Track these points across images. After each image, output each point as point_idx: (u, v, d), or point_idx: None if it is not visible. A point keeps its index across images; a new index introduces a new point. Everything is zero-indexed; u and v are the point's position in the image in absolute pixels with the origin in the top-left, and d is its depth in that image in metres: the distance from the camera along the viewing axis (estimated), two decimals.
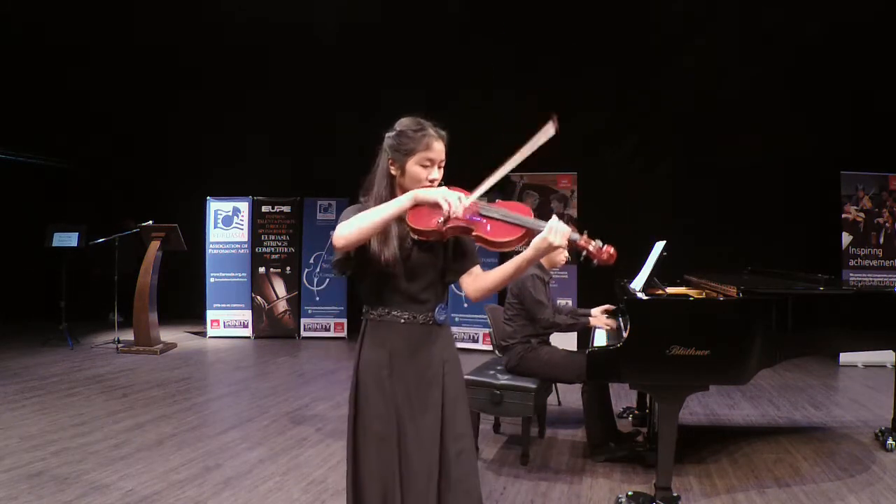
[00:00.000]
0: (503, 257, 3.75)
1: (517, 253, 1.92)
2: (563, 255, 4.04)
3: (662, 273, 4.09)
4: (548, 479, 3.67)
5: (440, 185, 1.94)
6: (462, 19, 8.11)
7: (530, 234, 1.87)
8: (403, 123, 1.96)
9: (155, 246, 7.48)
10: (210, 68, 9.00)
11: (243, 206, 8.82)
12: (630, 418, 4.80)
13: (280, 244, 8.79)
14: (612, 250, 1.84)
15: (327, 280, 8.74)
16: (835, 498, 3.36)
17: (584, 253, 1.87)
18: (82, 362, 6.74)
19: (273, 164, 9.23)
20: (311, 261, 8.74)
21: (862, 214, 7.21)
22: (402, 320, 1.96)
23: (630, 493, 3.31)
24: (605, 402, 4.02)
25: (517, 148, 1.90)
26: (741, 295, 3.36)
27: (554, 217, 1.88)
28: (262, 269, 8.75)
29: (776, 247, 7.53)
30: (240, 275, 8.73)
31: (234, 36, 8.49)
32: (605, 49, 7.96)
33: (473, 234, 1.88)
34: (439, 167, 1.95)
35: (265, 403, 5.27)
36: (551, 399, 4.84)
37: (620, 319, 3.98)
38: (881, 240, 7.21)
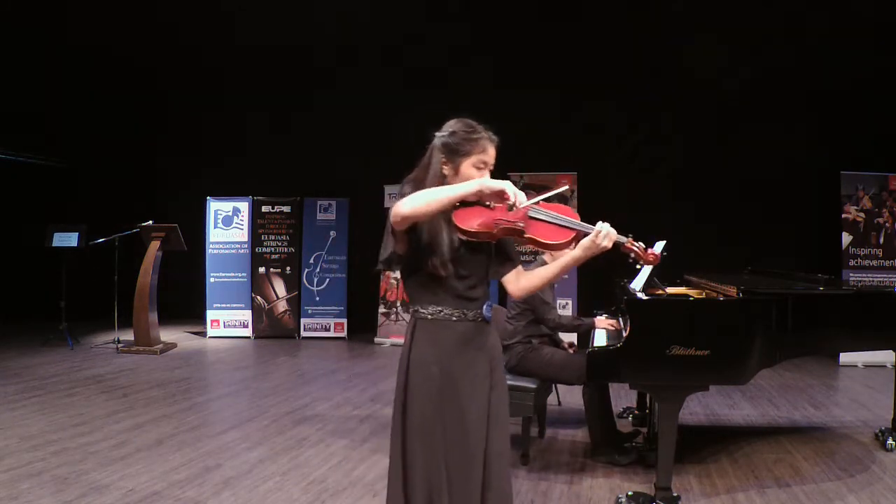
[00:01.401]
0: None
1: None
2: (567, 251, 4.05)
3: (662, 273, 4.09)
4: (548, 479, 3.67)
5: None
6: (461, 19, 8.11)
7: (579, 236, 1.94)
8: (457, 126, 1.99)
9: (155, 246, 7.48)
10: (210, 68, 9.01)
11: (243, 206, 8.82)
12: (630, 418, 4.80)
13: (280, 244, 8.79)
14: (656, 252, 1.96)
15: (327, 280, 8.74)
16: (835, 498, 3.36)
17: (632, 255, 1.96)
18: (82, 362, 6.74)
19: (273, 164, 9.23)
20: (311, 261, 8.74)
21: (862, 214, 7.21)
22: (454, 318, 1.99)
23: (630, 493, 3.31)
24: (605, 402, 4.01)
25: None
26: (741, 295, 3.36)
27: (600, 222, 1.94)
28: (262, 269, 8.75)
29: (776, 247, 7.52)
30: (240, 275, 8.73)
31: (236, 36, 8.49)
32: (606, 49, 7.97)
33: (525, 235, 1.91)
34: (489, 170, 2.00)
35: (265, 403, 5.26)
36: (551, 399, 4.83)
37: (620, 319, 3.98)
38: (881, 240, 7.21)
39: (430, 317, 1.99)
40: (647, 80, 8.05)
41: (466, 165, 1.96)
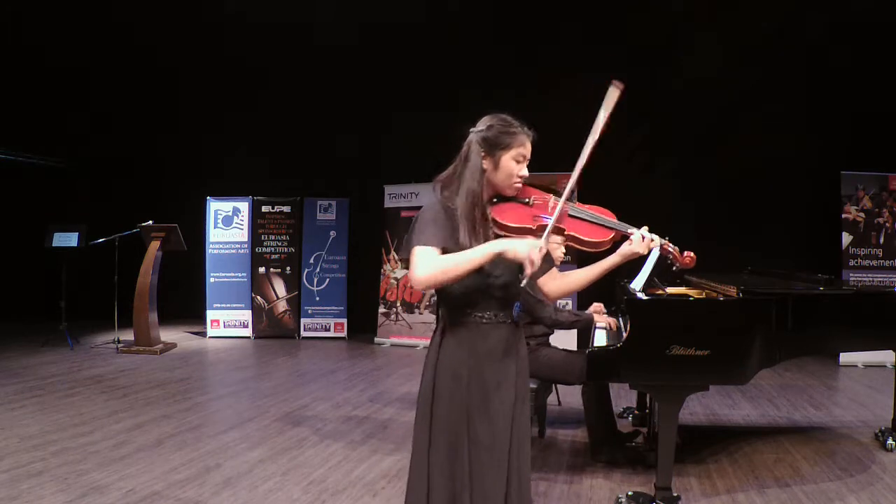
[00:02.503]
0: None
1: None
2: (561, 251, 4.04)
3: (662, 273, 4.09)
4: (548, 479, 3.66)
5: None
6: (461, 18, 8.11)
7: (617, 236, 1.96)
8: (493, 121, 1.99)
9: (155, 246, 7.48)
10: (210, 68, 9.01)
11: (243, 206, 8.82)
12: (630, 418, 4.80)
13: (280, 244, 8.80)
14: (692, 254, 1.97)
15: (327, 280, 8.74)
16: (835, 498, 3.36)
17: (670, 258, 1.97)
18: (82, 362, 6.74)
19: (273, 164, 9.23)
20: (311, 261, 8.74)
21: (862, 214, 7.21)
22: (485, 321, 1.97)
23: (630, 493, 3.31)
24: (605, 402, 4.01)
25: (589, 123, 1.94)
26: (741, 295, 3.36)
27: (642, 229, 1.97)
28: (262, 269, 8.75)
29: (776, 247, 7.52)
30: (240, 275, 8.73)
31: (235, 36, 8.49)
32: (606, 49, 7.96)
33: (566, 233, 1.91)
34: (526, 165, 2.00)
35: (265, 403, 5.27)
36: (551, 399, 4.84)
37: (620, 319, 3.98)
38: (881, 240, 7.21)
39: (460, 318, 1.98)
40: (648, 79, 8.04)
41: (506, 159, 1.95)
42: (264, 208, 8.82)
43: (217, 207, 8.79)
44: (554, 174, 7.92)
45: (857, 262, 7.21)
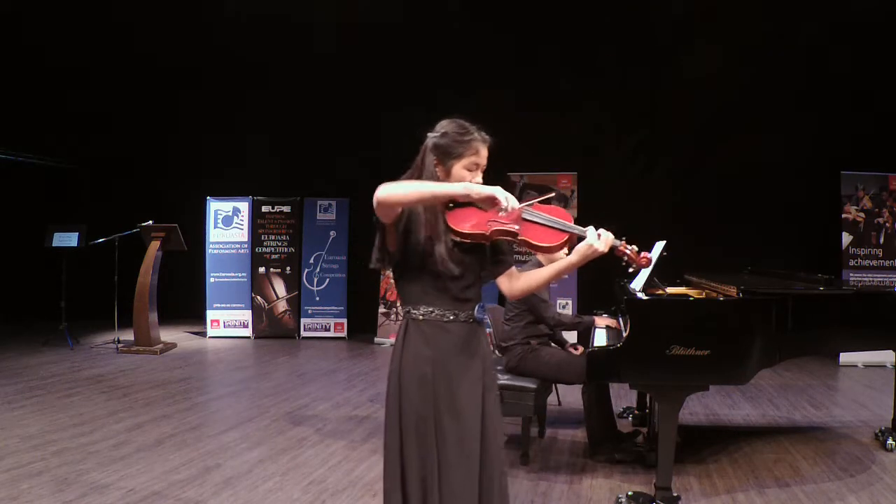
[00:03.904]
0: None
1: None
2: (562, 254, 4.05)
3: (662, 273, 4.09)
4: (548, 479, 3.67)
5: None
6: (461, 18, 8.11)
7: (572, 239, 1.95)
8: (450, 127, 1.97)
9: (155, 246, 7.47)
10: (210, 68, 9.00)
11: (243, 206, 8.82)
12: (630, 418, 4.80)
13: (280, 244, 8.79)
14: (648, 255, 1.98)
15: (327, 280, 8.74)
16: (835, 498, 3.36)
17: (625, 259, 1.97)
18: (82, 362, 6.74)
19: (273, 164, 9.23)
20: (311, 261, 8.74)
21: (862, 214, 7.21)
22: (446, 319, 1.98)
23: (630, 493, 3.31)
24: (605, 402, 4.02)
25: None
26: (741, 295, 3.36)
27: (592, 227, 1.96)
28: (262, 269, 8.75)
29: (776, 247, 7.52)
30: (240, 275, 8.73)
31: (235, 36, 8.49)
32: (605, 49, 7.96)
33: (519, 237, 1.91)
34: (482, 171, 1.99)
35: (265, 403, 5.27)
36: (551, 399, 4.83)
37: (620, 319, 3.98)
38: (881, 240, 7.21)
39: (422, 317, 1.99)
40: (648, 79, 8.05)
41: (458, 168, 1.95)
42: (264, 208, 8.82)
43: (217, 207, 8.79)
44: (554, 174, 7.95)
45: (857, 262, 7.21)
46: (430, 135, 1.99)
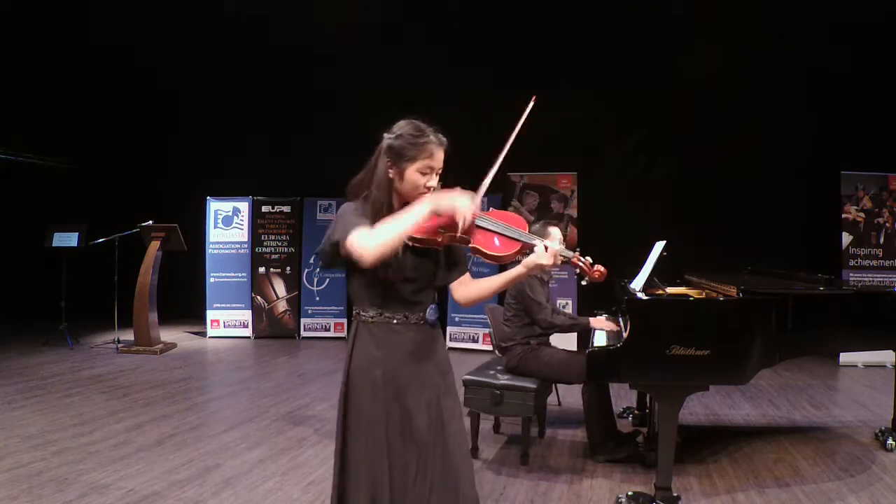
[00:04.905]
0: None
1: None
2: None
3: (662, 273, 4.09)
4: (548, 479, 3.67)
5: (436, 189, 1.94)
6: (461, 18, 8.11)
7: (525, 248, 1.94)
8: (405, 128, 1.92)
9: (155, 246, 7.47)
10: (210, 68, 9.00)
11: (243, 206, 8.82)
12: (630, 418, 4.80)
13: (280, 244, 8.79)
14: (602, 268, 1.96)
15: (327, 280, 8.74)
16: (835, 498, 3.36)
17: (577, 270, 1.97)
18: (82, 362, 6.74)
19: (273, 164, 9.23)
20: (311, 261, 8.73)
21: (862, 214, 7.21)
22: (395, 321, 1.96)
23: (630, 493, 3.31)
24: (605, 402, 4.01)
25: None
26: (741, 295, 3.36)
27: (541, 241, 1.93)
28: (262, 269, 8.75)
29: (776, 247, 7.52)
30: (240, 275, 8.73)
31: (235, 36, 8.49)
32: (606, 49, 7.96)
33: (471, 245, 1.91)
34: (437, 174, 1.94)
35: (265, 403, 5.27)
36: (551, 399, 4.83)
37: (620, 319, 3.98)
38: (881, 240, 7.21)
39: (371, 320, 1.97)
40: (648, 79, 8.04)
41: (412, 171, 1.90)
42: (264, 208, 8.82)
43: (217, 207, 8.79)
44: (554, 174, 7.95)
45: (857, 262, 7.21)
46: (385, 135, 1.94)
